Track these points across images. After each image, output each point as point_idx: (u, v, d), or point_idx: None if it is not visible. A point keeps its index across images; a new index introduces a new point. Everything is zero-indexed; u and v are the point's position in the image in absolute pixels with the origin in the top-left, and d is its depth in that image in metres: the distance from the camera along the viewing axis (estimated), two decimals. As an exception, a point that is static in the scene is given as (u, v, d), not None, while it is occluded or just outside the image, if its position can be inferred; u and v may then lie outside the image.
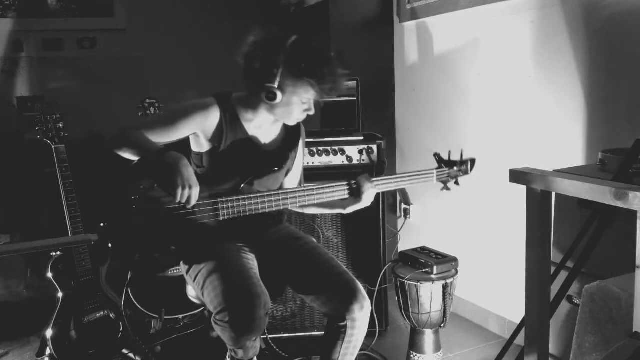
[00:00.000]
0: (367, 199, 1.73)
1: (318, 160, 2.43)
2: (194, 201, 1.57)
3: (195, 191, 1.56)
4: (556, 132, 2.23)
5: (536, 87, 2.29)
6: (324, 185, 1.72)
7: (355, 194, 1.74)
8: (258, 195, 1.68)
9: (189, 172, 1.56)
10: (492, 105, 2.52)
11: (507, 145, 2.45)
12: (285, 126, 1.87)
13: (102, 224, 1.64)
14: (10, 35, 3.07)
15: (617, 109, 2.00)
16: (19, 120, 3.08)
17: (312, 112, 1.73)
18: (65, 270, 2.33)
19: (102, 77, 3.24)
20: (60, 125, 2.37)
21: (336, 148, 2.43)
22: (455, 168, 1.89)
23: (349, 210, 1.78)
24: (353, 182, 1.74)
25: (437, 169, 1.88)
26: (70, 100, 3.12)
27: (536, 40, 2.27)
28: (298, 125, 1.91)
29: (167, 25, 3.35)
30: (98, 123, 3.07)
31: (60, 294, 2.31)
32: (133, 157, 1.65)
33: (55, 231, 2.71)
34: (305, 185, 1.75)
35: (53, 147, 2.35)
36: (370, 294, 2.46)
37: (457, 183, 1.92)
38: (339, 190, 1.74)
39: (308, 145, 2.43)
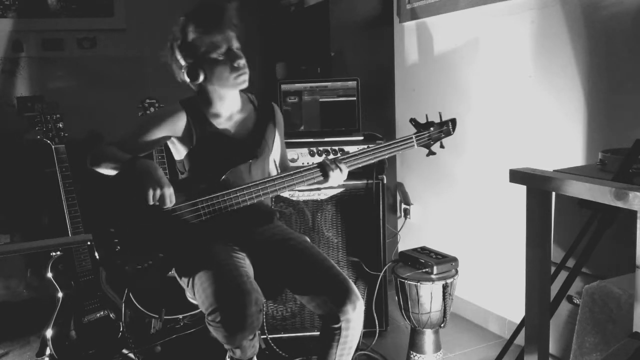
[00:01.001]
0: (334, 178, 1.75)
1: (318, 160, 2.43)
2: (168, 201, 1.61)
3: (168, 191, 1.60)
4: (556, 132, 2.23)
5: (536, 87, 2.29)
6: (298, 172, 1.74)
7: (324, 175, 1.76)
8: (237, 189, 1.68)
9: (159, 174, 1.61)
10: (492, 105, 2.52)
11: (507, 145, 2.45)
12: (257, 112, 1.91)
13: (90, 242, 1.67)
14: (10, 35, 3.07)
15: (617, 109, 2.00)
16: (19, 120, 3.08)
17: (242, 62, 1.75)
18: (65, 270, 2.33)
19: (102, 77, 3.24)
20: (60, 125, 2.37)
21: (336, 148, 2.43)
22: (432, 129, 1.86)
23: (322, 187, 1.84)
24: (316, 166, 1.75)
25: (415, 134, 1.85)
26: (70, 100, 3.13)
27: (536, 40, 2.27)
28: (272, 109, 1.95)
29: (167, 25, 3.33)
30: (98, 123, 3.08)
31: (60, 294, 2.31)
32: (112, 172, 1.70)
33: (55, 231, 2.71)
34: (280, 173, 1.76)
35: (53, 147, 2.35)
36: (370, 294, 2.47)
37: (442, 146, 1.89)
38: (312, 174, 1.75)
39: (308, 145, 2.43)
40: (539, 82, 2.28)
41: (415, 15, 2.89)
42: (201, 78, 1.75)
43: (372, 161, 1.82)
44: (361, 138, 2.48)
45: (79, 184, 2.39)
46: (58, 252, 2.33)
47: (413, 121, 1.88)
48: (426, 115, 1.91)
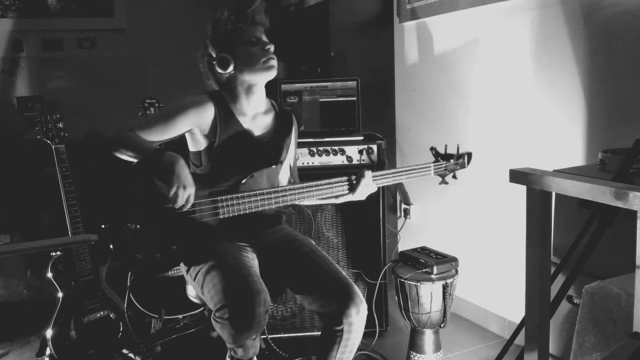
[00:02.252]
0: (360, 193, 1.78)
1: (318, 160, 2.44)
2: (189, 204, 1.58)
3: (190, 192, 1.58)
4: (556, 132, 2.23)
5: (536, 87, 2.29)
6: (325, 182, 1.75)
7: (352, 188, 1.79)
8: (257, 192, 1.69)
9: (185, 173, 1.58)
10: (492, 105, 2.52)
11: (507, 145, 2.45)
12: (277, 116, 1.91)
13: (103, 226, 1.64)
14: (10, 35, 3.08)
15: (617, 109, 2.00)
16: (19, 120, 3.09)
17: (271, 48, 1.81)
18: (65, 270, 2.33)
19: (102, 77, 3.24)
20: (60, 125, 2.37)
21: (336, 148, 2.43)
22: (452, 161, 1.93)
23: (342, 200, 1.84)
24: (354, 177, 1.77)
25: (434, 162, 1.91)
26: (70, 100, 3.13)
27: (536, 40, 2.27)
28: (290, 116, 1.96)
29: (167, 25, 3.35)
30: (98, 123, 3.07)
31: (60, 294, 2.31)
32: (130, 159, 1.66)
33: (55, 231, 2.71)
34: (305, 182, 1.76)
35: (53, 147, 2.35)
36: (370, 294, 2.47)
37: (454, 177, 1.95)
38: (338, 187, 1.77)
39: (308, 145, 2.43)
40: (539, 82, 2.28)
41: (415, 15, 2.89)
42: (231, 67, 1.76)
43: (390, 183, 1.87)
44: (361, 138, 2.48)
45: (79, 184, 2.38)
46: (58, 252, 2.33)
47: (433, 150, 1.94)
48: (445, 146, 1.96)
